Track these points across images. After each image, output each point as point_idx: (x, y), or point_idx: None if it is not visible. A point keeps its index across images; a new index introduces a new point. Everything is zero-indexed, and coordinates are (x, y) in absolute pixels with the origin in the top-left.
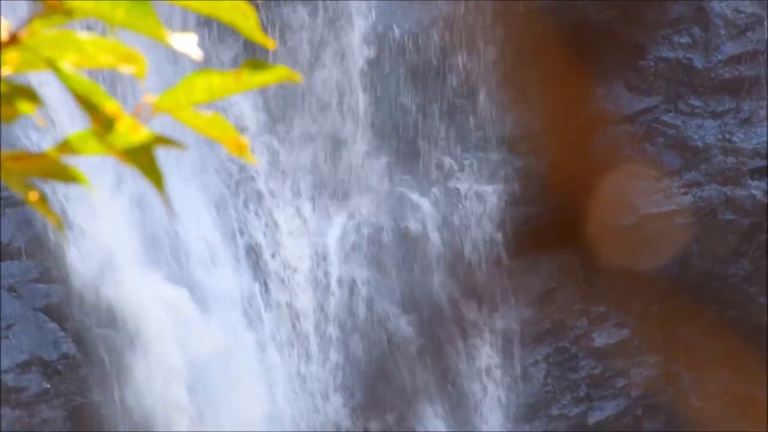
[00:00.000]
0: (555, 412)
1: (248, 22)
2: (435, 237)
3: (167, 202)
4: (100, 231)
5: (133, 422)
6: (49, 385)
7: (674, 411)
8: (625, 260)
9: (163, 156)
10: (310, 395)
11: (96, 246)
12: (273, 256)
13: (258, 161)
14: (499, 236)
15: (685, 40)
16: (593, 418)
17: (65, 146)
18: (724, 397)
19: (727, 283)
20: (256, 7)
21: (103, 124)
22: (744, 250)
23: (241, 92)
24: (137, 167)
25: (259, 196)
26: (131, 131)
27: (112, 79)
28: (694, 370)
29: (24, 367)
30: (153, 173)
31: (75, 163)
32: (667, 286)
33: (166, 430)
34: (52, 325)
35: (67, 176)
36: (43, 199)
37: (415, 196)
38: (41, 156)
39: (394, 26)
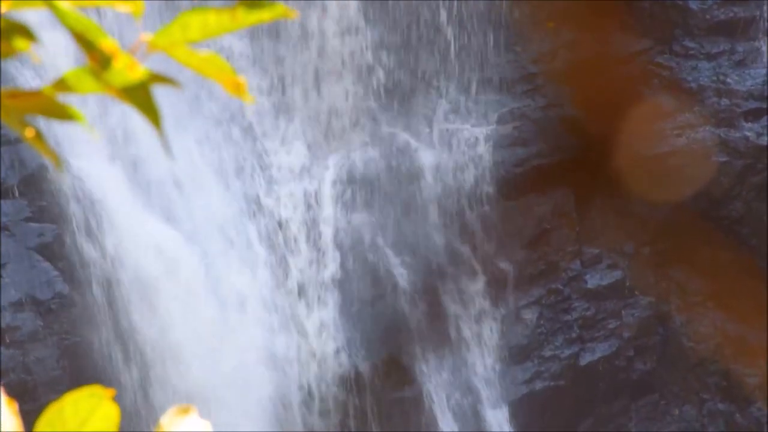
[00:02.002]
0: (547, 353)
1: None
2: (429, 179)
3: (164, 140)
4: (92, 169)
5: (127, 360)
6: (42, 324)
7: (666, 352)
8: (619, 202)
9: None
10: (303, 335)
11: (88, 184)
12: (267, 197)
13: (254, 102)
14: (493, 178)
15: None
16: (585, 360)
17: (61, 84)
18: (716, 338)
19: (720, 225)
20: None
21: (99, 61)
22: (737, 191)
23: (237, 30)
24: (134, 105)
25: (253, 138)
26: (128, 69)
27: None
28: (686, 311)
29: (17, 306)
30: (150, 111)
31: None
32: (660, 227)
33: (162, 368)
34: (46, 265)
35: (64, 114)
36: (40, 136)
37: (409, 138)
38: (38, 93)
39: None
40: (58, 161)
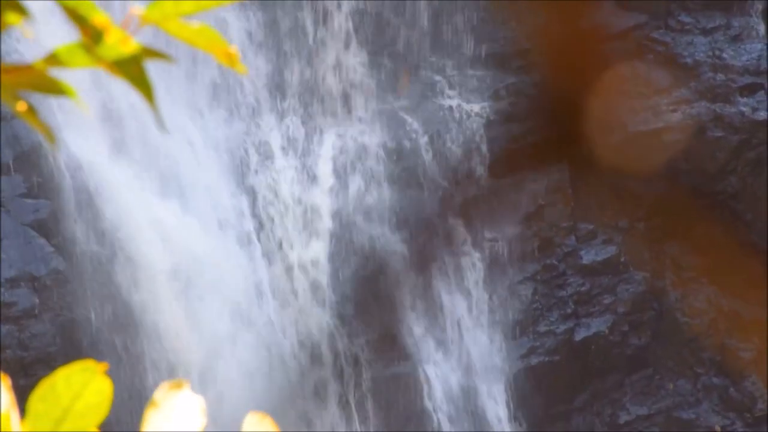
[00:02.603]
0: (542, 328)
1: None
2: (424, 155)
3: (158, 115)
4: (86, 145)
5: (123, 336)
6: (38, 300)
7: (660, 327)
8: (614, 177)
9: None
10: (298, 310)
11: (82, 160)
12: (261, 172)
13: (247, 75)
14: (488, 154)
15: None
16: (580, 335)
17: (53, 59)
18: (710, 313)
19: (715, 200)
20: None
21: (91, 36)
22: (732, 167)
23: (229, 4)
24: (127, 79)
25: (248, 114)
26: (120, 43)
27: None
28: (680, 287)
29: (13, 282)
30: (143, 85)
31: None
32: (655, 202)
33: (158, 340)
34: (41, 241)
35: (56, 89)
36: (32, 110)
37: (404, 114)
38: (30, 68)
39: None
40: (51, 136)
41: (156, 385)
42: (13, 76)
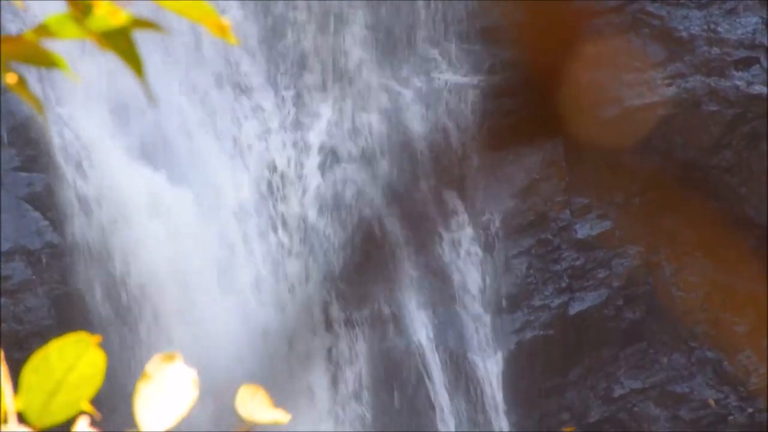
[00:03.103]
0: (537, 302)
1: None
2: (418, 129)
3: (147, 88)
4: (79, 117)
5: (117, 307)
6: (32, 274)
7: (655, 301)
8: (609, 152)
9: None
10: (291, 283)
11: (75, 133)
12: (256, 146)
13: (240, 50)
14: (482, 128)
15: None
16: (575, 309)
17: (43, 30)
18: (704, 287)
19: (710, 174)
20: None
21: (80, 7)
22: (727, 141)
23: None
24: (116, 52)
25: (241, 88)
26: (109, 15)
27: None
28: (675, 261)
29: (8, 255)
30: (132, 58)
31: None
32: (650, 177)
33: (153, 312)
34: (36, 214)
35: (47, 61)
36: (22, 82)
37: (399, 88)
38: (20, 40)
39: None
40: (40, 107)
41: (151, 355)
42: (4, 47)
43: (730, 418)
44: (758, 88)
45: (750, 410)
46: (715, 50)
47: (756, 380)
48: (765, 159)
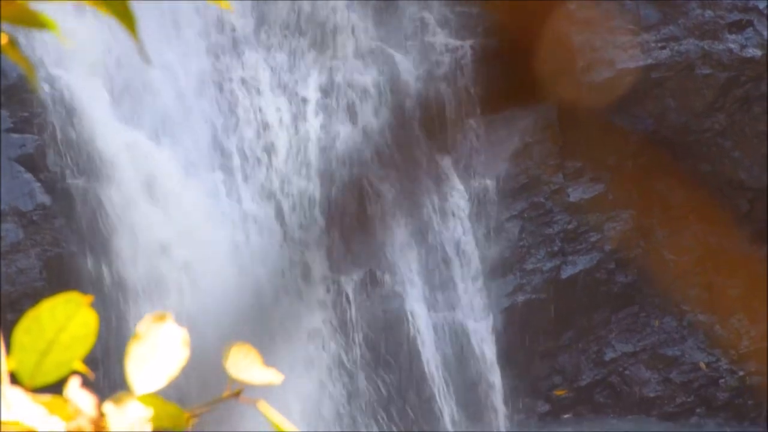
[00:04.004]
0: (529, 266)
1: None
2: (411, 92)
3: (141, 48)
4: (72, 79)
5: (111, 269)
6: (24, 235)
7: (647, 264)
8: (602, 115)
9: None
10: (286, 249)
11: (68, 95)
12: (249, 108)
13: (233, 11)
14: (475, 91)
15: None
16: (566, 272)
17: None
18: (696, 251)
19: (703, 138)
20: None
21: None
22: (720, 104)
23: None
24: (110, 12)
25: (235, 49)
26: None
27: None
28: (667, 224)
29: None
30: (126, 18)
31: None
32: (643, 140)
33: (145, 273)
34: (27, 176)
35: (38, 23)
36: (13, 43)
37: (393, 51)
38: (11, 2)
39: None
40: (31, 70)
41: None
42: None
43: (722, 381)
44: (752, 51)
45: (741, 373)
46: (709, 13)
47: (747, 343)
48: (758, 122)
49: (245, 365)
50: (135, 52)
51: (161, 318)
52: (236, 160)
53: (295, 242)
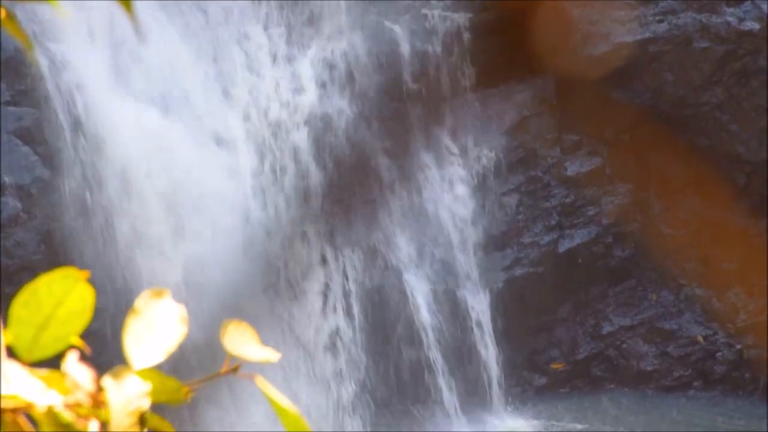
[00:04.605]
0: (526, 240)
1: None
2: (408, 65)
3: (136, 24)
4: (71, 52)
5: (108, 241)
6: (22, 208)
7: (644, 238)
8: (599, 89)
9: None
10: (278, 215)
11: (68, 68)
12: (246, 82)
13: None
14: (473, 65)
15: None
16: (564, 246)
17: None
18: (693, 224)
19: (700, 111)
20: None
21: None
22: (717, 77)
23: None
24: None
25: (232, 23)
26: None
27: None
28: (664, 198)
29: None
30: None
31: None
32: (640, 114)
33: (145, 247)
34: (25, 149)
35: None
36: (11, 17)
37: (390, 24)
38: None
39: None
40: (29, 43)
41: (142, 289)
42: None
43: (718, 354)
44: (749, 25)
45: (738, 347)
46: None
47: (744, 317)
48: (756, 96)
49: (242, 342)
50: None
51: (159, 294)
52: (235, 133)
53: (293, 213)
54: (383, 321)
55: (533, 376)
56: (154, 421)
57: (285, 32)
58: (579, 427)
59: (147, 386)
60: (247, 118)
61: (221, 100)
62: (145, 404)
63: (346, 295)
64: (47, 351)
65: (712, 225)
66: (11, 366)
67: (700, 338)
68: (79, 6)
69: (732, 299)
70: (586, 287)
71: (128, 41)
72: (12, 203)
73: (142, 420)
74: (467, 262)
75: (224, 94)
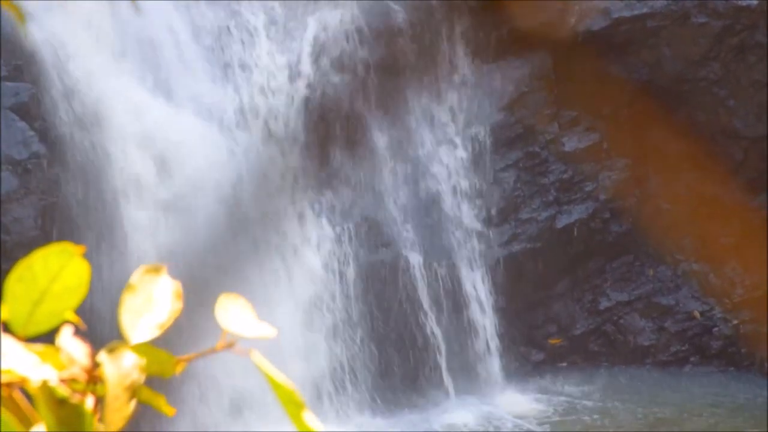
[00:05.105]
0: (524, 215)
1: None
2: (407, 41)
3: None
4: (67, 28)
5: (105, 218)
6: (19, 184)
7: (642, 213)
8: (597, 64)
9: None
10: (275, 184)
11: (63, 43)
12: (243, 57)
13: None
14: (470, 40)
15: None
16: (561, 222)
17: None
18: (691, 199)
19: (697, 86)
20: None
21: None
22: (715, 53)
23: None
24: None
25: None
26: None
27: None
28: (662, 173)
29: None
30: None
31: None
32: (638, 89)
33: (142, 221)
34: (22, 124)
35: None
36: None
37: None
38: None
39: None
40: (22, 17)
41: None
42: None
43: (715, 329)
44: (747, 0)
45: (735, 322)
46: None
47: (741, 292)
48: (753, 71)
49: (238, 317)
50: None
51: (155, 270)
52: (232, 106)
53: (283, 174)
54: (379, 296)
55: (531, 352)
56: (146, 394)
57: (281, 5)
58: (576, 401)
59: (141, 360)
60: (243, 94)
61: (217, 78)
62: (139, 378)
63: (341, 270)
64: (42, 326)
65: (710, 200)
66: (6, 341)
67: (696, 314)
68: None
69: (729, 274)
70: (583, 263)
71: (123, 15)
72: (8, 179)
73: (134, 393)
74: (464, 237)
75: (221, 71)
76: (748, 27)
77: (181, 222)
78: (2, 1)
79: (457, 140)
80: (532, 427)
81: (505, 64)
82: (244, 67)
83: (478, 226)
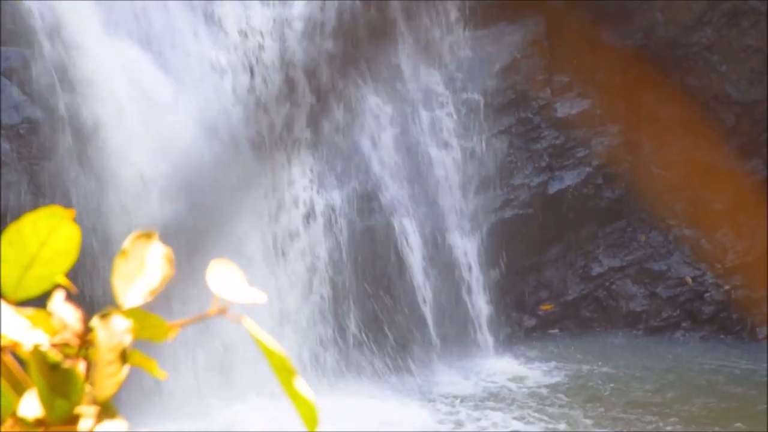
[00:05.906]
0: (517, 181)
1: None
2: (400, 8)
3: None
4: None
5: (100, 185)
6: (10, 148)
7: (634, 179)
8: (590, 30)
9: None
10: (260, 133)
11: (55, 9)
12: (236, 24)
13: None
14: (464, 6)
15: None
16: (554, 188)
17: None
18: (684, 165)
19: (690, 52)
20: None
21: None
22: (708, 18)
23: None
24: None
25: None
26: None
27: None
28: (654, 138)
29: None
30: None
31: None
32: (631, 55)
33: (135, 189)
34: (13, 89)
35: None
36: None
37: None
38: None
39: None
40: None
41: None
42: None
43: (707, 295)
44: None
45: (726, 287)
46: None
47: (733, 257)
48: (745, 37)
49: (228, 283)
50: None
51: (148, 236)
52: (223, 67)
53: (274, 131)
54: (372, 262)
55: (522, 318)
56: (137, 358)
57: None
58: (568, 367)
59: (130, 323)
60: (236, 61)
61: (210, 43)
62: (127, 340)
63: (334, 231)
64: (33, 290)
65: (702, 166)
66: None
67: (688, 279)
68: None
69: (720, 240)
70: (575, 228)
71: None
72: (1, 144)
73: (123, 356)
74: (457, 204)
75: (213, 36)
76: None
77: (168, 182)
78: None
79: (450, 106)
80: (523, 391)
81: (498, 30)
82: (230, 24)
83: (470, 192)
